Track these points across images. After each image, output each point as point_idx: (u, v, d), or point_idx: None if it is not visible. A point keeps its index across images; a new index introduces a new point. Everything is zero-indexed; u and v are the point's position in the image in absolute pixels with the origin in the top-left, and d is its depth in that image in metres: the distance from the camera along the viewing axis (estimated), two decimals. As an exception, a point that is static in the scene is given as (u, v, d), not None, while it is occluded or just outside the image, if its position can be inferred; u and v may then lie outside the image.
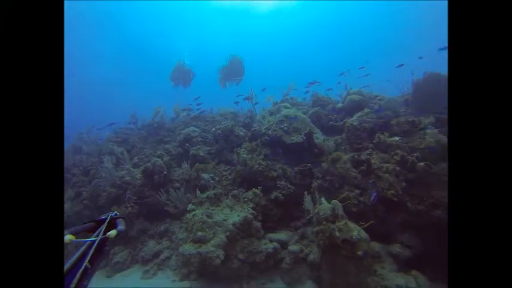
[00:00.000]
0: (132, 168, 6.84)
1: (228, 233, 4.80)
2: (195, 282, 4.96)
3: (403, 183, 4.54)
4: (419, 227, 4.43)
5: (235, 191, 5.77)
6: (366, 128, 5.65)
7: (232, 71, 12.81)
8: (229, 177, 6.22)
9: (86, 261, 1.17)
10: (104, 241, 1.41)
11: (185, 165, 6.60)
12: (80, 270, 1.12)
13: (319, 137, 5.70)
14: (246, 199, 5.41)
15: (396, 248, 4.38)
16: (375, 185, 4.78)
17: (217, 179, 6.28)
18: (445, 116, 5.50)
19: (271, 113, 7.52)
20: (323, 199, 4.15)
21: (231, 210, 5.39)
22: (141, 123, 10.20)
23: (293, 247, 4.91)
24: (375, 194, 4.75)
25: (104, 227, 1.51)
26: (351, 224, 4.09)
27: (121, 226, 1.59)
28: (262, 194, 5.46)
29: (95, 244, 1.28)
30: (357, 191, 4.94)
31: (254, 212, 5.13)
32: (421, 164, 4.33)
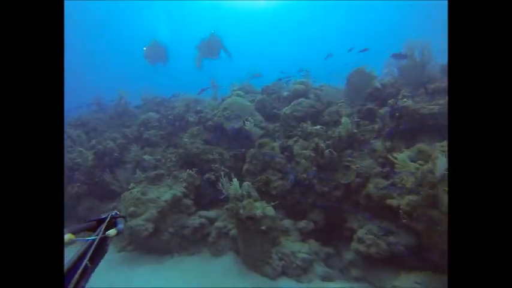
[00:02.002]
0: (85, 151, 7.22)
1: (159, 209, 5.30)
2: (130, 253, 5.53)
3: (314, 168, 5.04)
4: (324, 205, 5.00)
5: (176, 172, 6.24)
6: (296, 117, 6.09)
7: (210, 50, 11.83)
8: (174, 160, 6.67)
9: (86, 259, 1.18)
10: (104, 240, 1.42)
11: (135, 148, 7.01)
12: (80, 269, 1.12)
13: (250, 124, 6.10)
14: (181, 179, 5.89)
15: (302, 223, 4.96)
16: (292, 170, 5.30)
17: (163, 161, 6.72)
18: (365, 107, 5.96)
19: (223, 100, 7.90)
20: (234, 180, 4.63)
21: (170, 189, 5.88)
22: (107, 106, 10.44)
23: (219, 223, 5.46)
24: (292, 177, 5.27)
25: (104, 226, 1.52)
26: (258, 203, 4.62)
27: (121, 225, 1.60)
28: (197, 175, 5.95)
29: (95, 243, 1.29)
30: (280, 175, 5.45)
31: (185, 191, 5.64)
32: (327, 151, 4.81)
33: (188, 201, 5.60)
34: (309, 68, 8.81)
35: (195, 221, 5.41)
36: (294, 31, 32.37)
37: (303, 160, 5.17)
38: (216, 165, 6.04)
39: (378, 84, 6.42)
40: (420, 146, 4.38)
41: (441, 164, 3.31)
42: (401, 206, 3.63)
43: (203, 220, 5.45)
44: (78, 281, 1.08)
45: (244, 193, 4.51)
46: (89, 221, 1.59)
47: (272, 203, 4.70)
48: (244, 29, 32.40)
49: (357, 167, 4.81)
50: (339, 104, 6.51)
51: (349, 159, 4.92)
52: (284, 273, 4.46)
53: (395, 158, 3.95)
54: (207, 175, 5.90)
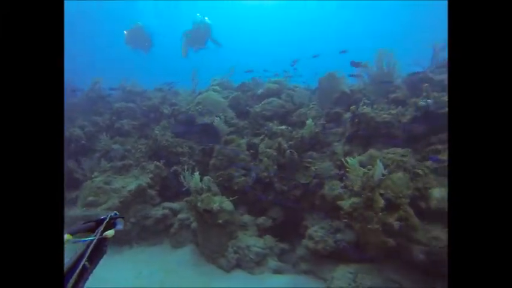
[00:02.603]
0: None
1: (122, 199, 5.34)
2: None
3: (275, 167, 5.24)
4: (284, 203, 5.23)
5: (144, 163, 6.27)
6: (265, 116, 6.26)
7: (197, 38, 11.12)
8: (143, 151, 6.68)
9: (84, 260, 1.20)
10: (103, 241, 1.44)
11: (104, 137, 6.95)
12: (78, 270, 1.13)
13: (219, 120, 6.22)
14: (148, 170, 5.94)
15: (260, 220, 5.17)
16: (255, 168, 5.47)
17: (133, 151, 6.72)
18: (333, 111, 6.21)
19: (200, 93, 7.95)
20: (196, 174, 4.75)
21: (136, 179, 5.91)
22: (82, 93, 10.16)
23: (182, 215, 5.57)
24: (254, 174, 5.45)
25: (102, 226, 1.53)
26: (216, 197, 4.77)
27: (120, 226, 1.62)
28: (164, 166, 6.02)
29: (93, 243, 1.31)
30: (243, 171, 5.62)
31: (151, 182, 5.70)
32: (288, 151, 5.02)
33: (153, 192, 5.66)
34: (300, 67, 8.79)
35: (158, 212, 5.49)
36: (294, 30, 32.06)
37: (266, 158, 5.35)
38: (185, 159, 6.12)
39: (346, 90, 6.70)
40: (372, 151, 4.67)
41: (379, 170, 3.59)
42: (344, 207, 3.89)
43: (166, 211, 5.54)
44: (76, 282, 1.11)
45: (204, 187, 4.64)
46: (87, 222, 1.61)
47: (231, 198, 4.86)
48: (245, 25, 31.91)
49: (316, 169, 5.05)
50: (310, 106, 6.74)
51: (310, 160, 5.15)
52: (238, 265, 4.65)
53: (347, 162, 4.20)
54: (174, 167, 5.97)
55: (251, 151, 5.73)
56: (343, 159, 4.40)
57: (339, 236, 4.38)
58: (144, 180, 5.67)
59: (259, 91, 7.60)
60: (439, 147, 4.41)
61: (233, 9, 29.22)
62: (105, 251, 1.47)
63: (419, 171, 4.09)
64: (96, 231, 1.49)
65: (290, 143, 5.27)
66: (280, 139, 5.40)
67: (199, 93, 7.98)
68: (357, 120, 5.14)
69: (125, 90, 9.84)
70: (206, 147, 6.23)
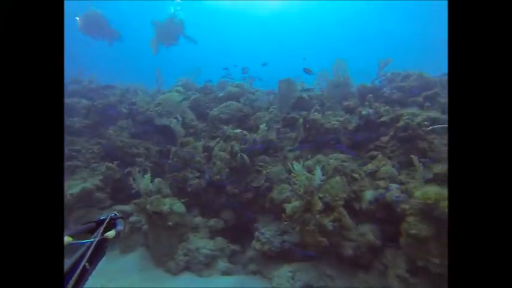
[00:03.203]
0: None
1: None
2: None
3: (227, 170, 5.34)
4: (236, 206, 5.34)
5: (95, 164, 6.02)
6: (222, 119, 6.34)
7: (169, 33, 10.37)
8: (96, 151, 6.41)
9: (84, 261, 1.19)
10: (103, 242, 1.42)
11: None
12: (78, 271, 1.13)
13: (176, 122, 6.17)
14: (99, 172, 5.72)
15: (212, 222, 5.24)
16: (208, 170, 5.53)
17: (83, 151, 6.42)
18: (290, 115, 6.46)
19: (163, 94, 7.80)
20: (146, 176, 4.69)
21: (84, 182, 5.66)
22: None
23: (133, 217, 5.45)
24: (207, 177, 5.50)
25: (103, 227, 1.52)
26: (166, 199, 4.76)
27: (120, 226, 1.61)
28: (118, 168, 5.83)
29: (94, 245, 1.29)
30: (197, 174, 5.65)
31: (101, 184, 5.50)
32: (239, 155, 5.14)
33: (102, 195, 5.47)
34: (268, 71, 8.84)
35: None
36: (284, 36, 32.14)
37: (219, 161, 5.43)
38: (141, 159, 5.99)
39: (304, 95, 7.00)
40: (319, 157, 4.97)
41: (318, 175, 3.84)
42: (287, 211, 4.09)
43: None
44: (76, 283, 1.10)
45: (153, 189, 4.60)
46: (88, 223, 1.59)
47: (182, 200, 4.87)
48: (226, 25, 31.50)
49: (267, 172, 5.23)
50: (270, 110, 6.94)
51: (261, 164, 5.32)
52: (187, 268, 4.67)
53: (293, 167, 4.41)
54: (128, 169, 5.81)
55: (205, 154, 5.77)
56: (289, 164, 4.62)
57: (285, 237, 4.60)
58: (93, 182, 5.45)
59: (220, 94, 7.66)
60: (375, 153, 4.82)
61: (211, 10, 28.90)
62: (105, 252, 1.47)
63: (356, 175, 4.44)
64: (97, 232, 1.48)
65: (242, 147, 5.40)
66: (233, 143, 5.51)
67: (163, 93, 7.83)
68: (307, 125, 5.42)
69: (81, 84, 9.36)
70: (163, 149, 6.15)
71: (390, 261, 3.80)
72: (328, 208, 3.94)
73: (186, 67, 11.66)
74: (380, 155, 4.79)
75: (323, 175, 3.96)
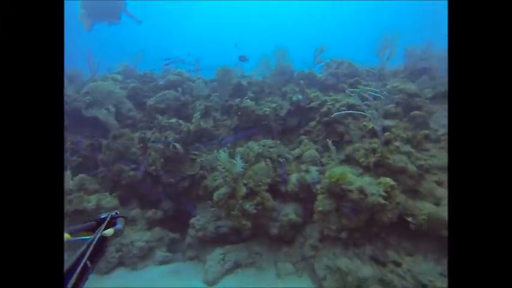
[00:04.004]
0: None
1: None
2: None
3: (162, 160, 5.27)
4: (173, 195, 5.35)
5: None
6: (158, 109, 6.15)
7: (105, 8, 9.29)
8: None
9: (85, 259, 1.20)
10: (104, 240, 1.45)
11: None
12: (79, 268, 1.13)
13: (107, 113, 5.86)
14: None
15: (150, 213, 5.20)
16: (144, 161, 5.40)
17: None
18: (227, 103, 6.49)
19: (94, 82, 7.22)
20: (67, 172, 4.44)
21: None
22: None
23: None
24: (142, 169, 5.38)
25: (103, 226, 1.54)
26: (93, 196, 4.57)
27: (119, 225, 1.65)
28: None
29: (94, 243, 1.31)
30: (133, 166, 5.48)
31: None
32: (171, 145, 5.09)
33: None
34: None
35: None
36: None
37: (153, 152, 5.33)
38: (67, 155, 5.60)
39: (244, 82, 7.03)
40: (250, 144, 5.12)
41: (238, 162, 3.99)
42: (214, 197, 4.23)
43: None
44: (77, 280, 1.12)
45: (72, 188, 4.39)
46: (88, 222, 1.62)
47: (114, 194, 4.74)
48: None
49: (202, 160, 5.28)
50: (211, 98, 6.88)
51: (196, 152, 5.34)
52: (121, 263, 4.63)
53: (219, 156, 4.50)
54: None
55: (141, 145, 5.61)
56: (216, 152, 4.70)
57: (219, 223, 4.77)
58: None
59: (160, 82, 7.36)
60: (303, 137, 5.13)
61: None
62: (106, 251, 1.50)
63: (283, 159, 4.70)
64: (97, 230, 1.51)
65: (176, 136, 5.34)
66: (168, 132, 5.42)
67: (94, 81, 7.25)
68: (239, 113, 5.51)
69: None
70: (95, 142, 5.81)
71: (309, 234, 4.21)
72: (251, 193, 4.15)
73: (133, 50, 10.84)
74: (306, 139, 5.12)
75: (246, 162, 4.13)
